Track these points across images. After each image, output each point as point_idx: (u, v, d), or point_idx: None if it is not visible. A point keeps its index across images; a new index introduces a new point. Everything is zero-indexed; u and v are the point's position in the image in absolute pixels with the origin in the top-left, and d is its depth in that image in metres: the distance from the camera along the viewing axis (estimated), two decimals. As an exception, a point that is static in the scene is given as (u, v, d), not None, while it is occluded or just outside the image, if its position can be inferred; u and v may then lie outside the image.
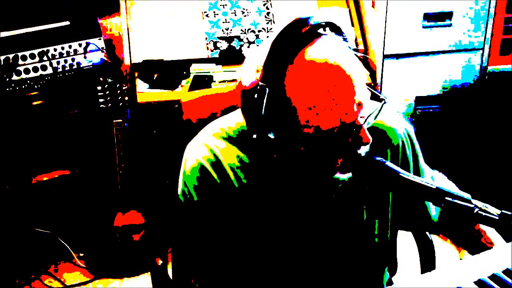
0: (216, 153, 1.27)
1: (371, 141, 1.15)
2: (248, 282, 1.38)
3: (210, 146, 1.28)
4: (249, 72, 1.17)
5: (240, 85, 1.19)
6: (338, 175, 1.20)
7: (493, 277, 1.21)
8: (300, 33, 1.12)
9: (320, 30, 1.14)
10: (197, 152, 1.29)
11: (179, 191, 1.34)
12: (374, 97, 1.19)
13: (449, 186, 1.46)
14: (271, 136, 1.14)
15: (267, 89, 1.12)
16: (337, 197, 1.31)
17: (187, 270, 1.40)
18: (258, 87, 1.12)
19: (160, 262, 1.58)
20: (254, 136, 1.16)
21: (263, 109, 1.12)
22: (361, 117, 1.13)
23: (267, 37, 2.88)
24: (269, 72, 1.13)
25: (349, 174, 1.20)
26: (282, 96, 1.12)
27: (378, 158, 1.17)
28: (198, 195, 1.28)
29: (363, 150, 1.17)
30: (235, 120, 1.30)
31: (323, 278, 1.39)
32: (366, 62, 2.82)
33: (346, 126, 1.12)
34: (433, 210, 1.45)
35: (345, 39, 1.17)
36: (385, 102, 1.18)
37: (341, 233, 1.35)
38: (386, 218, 1.41)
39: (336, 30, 1.17)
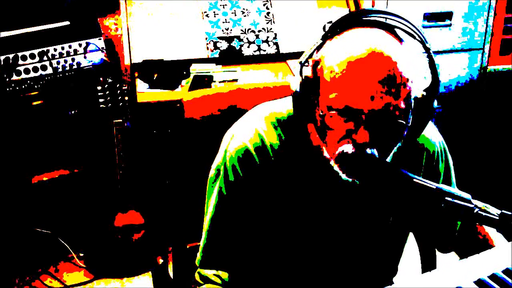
0: (264, 138, 1.29)
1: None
2: (267, 268, 1.39)
3: (258, 130, 1.29)
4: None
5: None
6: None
7: (493, 276, 1.21)
8: (352, 19, 1.16)
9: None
10: (245, 134, 1.30)
11: (214, 166, 1.35)
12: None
13: None
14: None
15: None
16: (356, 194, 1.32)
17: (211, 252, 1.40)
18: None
19: (160, 261, 1.58)
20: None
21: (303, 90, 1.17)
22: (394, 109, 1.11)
23: (267, 37, 2.89)
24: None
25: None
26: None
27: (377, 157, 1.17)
28: (235, 176, 1.29)
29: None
30: (286, 107, 1.31)
31: (334, 272, 1.41)
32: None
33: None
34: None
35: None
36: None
37: (358, 229, 1.37)
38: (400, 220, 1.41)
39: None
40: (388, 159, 1.19)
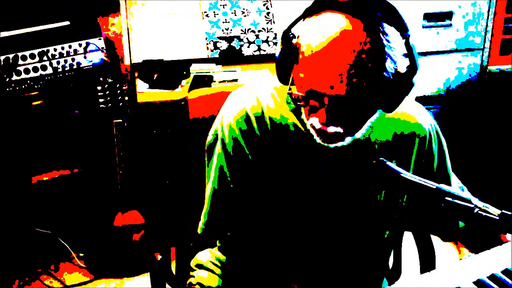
0: (263, 106, 1.32)
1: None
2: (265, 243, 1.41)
3: (259, 98, 1.33)
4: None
5: None
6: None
7: (492, 277, 1.21)
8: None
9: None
10: (246, 102, 1.33)
11: (212, 133, 1.37)
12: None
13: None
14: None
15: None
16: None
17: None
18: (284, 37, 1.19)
19: (159, 257, 1.59)
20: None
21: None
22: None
23: (267, 37, 2.89)
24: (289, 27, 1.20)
25: (348, 140, 1.21)
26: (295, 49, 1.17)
27: (380, 158, 1.18)
28: (233, 141, 1.31)
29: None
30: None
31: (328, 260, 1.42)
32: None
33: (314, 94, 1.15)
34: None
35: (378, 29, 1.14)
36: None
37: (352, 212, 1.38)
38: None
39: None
40: (359, 134, 1.22)
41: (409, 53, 1.17)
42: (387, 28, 1.14)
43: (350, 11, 1.12)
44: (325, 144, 1.21)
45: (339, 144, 1.21)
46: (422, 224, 1.52)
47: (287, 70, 1.21)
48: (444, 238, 1.59)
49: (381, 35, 1.12)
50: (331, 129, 1.17)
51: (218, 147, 1.34)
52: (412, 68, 1.18)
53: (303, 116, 1.23)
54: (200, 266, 1.47)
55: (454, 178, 1.47)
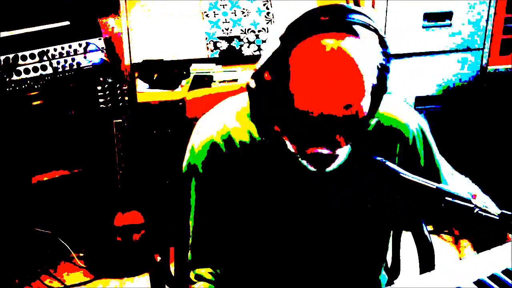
0: (230, 130, 1.30)
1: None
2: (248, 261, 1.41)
3: (225, 123, 1.31)
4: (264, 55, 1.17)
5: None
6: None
7: (493, 277, 1.21)
8: (320, 20, 1.11)
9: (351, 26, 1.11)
10: (212, 127, 1.32)
11: (185, 163, 1.37)
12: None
13: (473, 190, 1.47)
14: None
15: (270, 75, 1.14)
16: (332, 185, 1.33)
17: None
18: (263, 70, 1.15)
19: (158, 258, 1.59)
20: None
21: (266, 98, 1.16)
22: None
23: (267, 37, 2.89)
24: (276, 54, 1.13)
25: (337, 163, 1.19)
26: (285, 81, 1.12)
27: (378, 158, 1.17)
28: (206, 170, 1.31)
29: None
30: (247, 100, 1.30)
31: (321, 266, 1.42)
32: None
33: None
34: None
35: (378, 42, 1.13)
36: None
37: (334, 218, 1.37)
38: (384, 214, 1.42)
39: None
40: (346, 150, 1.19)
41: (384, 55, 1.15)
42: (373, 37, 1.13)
43: (337, 30, 1.10)
44: (320, 170, 1.18)
45: (332, 167, 1.18)
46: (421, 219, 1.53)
47: (271, 112, 1.17)
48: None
49: (378, 46, 1.12)
50: (325, 150, 1.14)
51: (193, 177, 1.34)
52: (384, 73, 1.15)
53: (289, 147, 1.18)
54: (199, 277, 1.47)
55: (444, 167, 1.45)
